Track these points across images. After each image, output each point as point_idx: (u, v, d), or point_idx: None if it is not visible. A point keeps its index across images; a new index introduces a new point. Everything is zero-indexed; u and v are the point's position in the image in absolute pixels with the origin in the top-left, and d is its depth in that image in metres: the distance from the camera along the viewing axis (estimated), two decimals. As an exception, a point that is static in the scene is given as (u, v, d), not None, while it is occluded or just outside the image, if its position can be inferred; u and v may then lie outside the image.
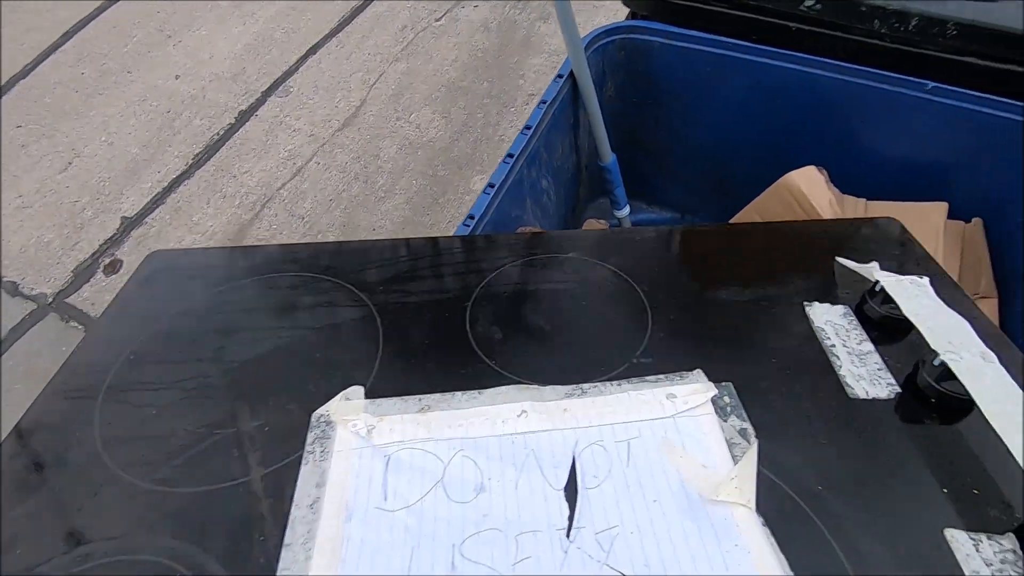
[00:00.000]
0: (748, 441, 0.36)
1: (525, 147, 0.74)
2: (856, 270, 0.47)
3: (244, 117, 1.86)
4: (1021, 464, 0.31)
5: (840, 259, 0.49)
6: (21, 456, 0.37)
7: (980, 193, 0.81)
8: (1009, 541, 0.30)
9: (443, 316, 0.46)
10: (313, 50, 2.05)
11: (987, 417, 0.33)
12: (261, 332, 0.45)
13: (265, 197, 1.65)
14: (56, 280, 1.48)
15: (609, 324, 0.45)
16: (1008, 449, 0.32)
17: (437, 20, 2.10)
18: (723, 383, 0.39)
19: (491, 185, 0.69)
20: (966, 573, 0.29)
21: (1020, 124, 0.72)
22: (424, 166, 1.68)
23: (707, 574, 0.30)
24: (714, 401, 0.38)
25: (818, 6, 0.78)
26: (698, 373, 0.40)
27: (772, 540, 0.31)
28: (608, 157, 0.93)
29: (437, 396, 0.40)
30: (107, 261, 1.51)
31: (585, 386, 0.40)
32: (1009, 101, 0.72)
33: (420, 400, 0.39)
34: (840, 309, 0.45)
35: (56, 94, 1.97)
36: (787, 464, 0.35)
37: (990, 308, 0.78)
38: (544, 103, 0.78)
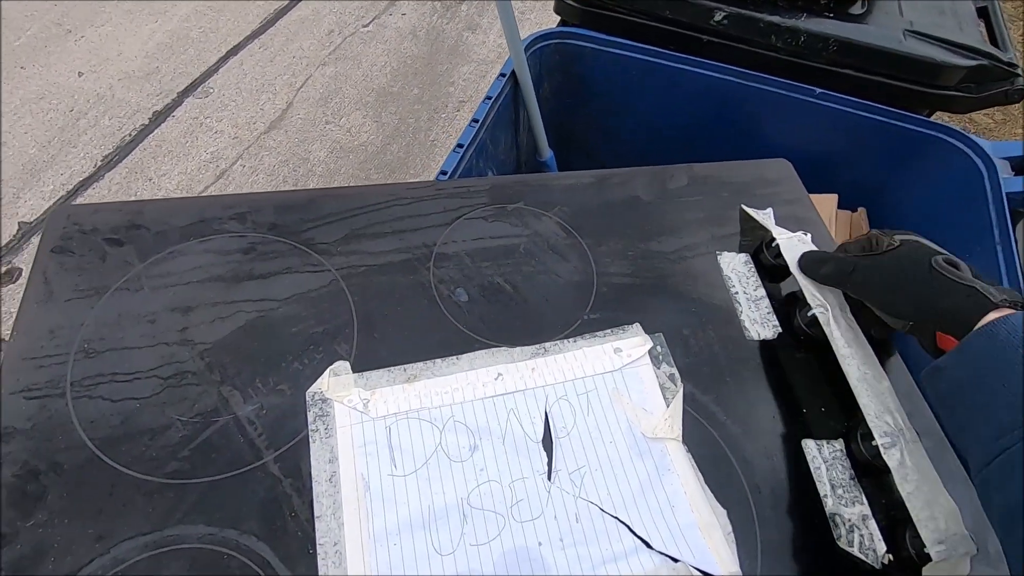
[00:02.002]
0: (676, 384, 0.46)
1: (474, 138, 0.80)
2: (755, 217, 0.56)
3: (160, 118, 1.76)
4: (854, 386, 0.44)
5: (744, 207, 0.57)
6: (7, 465, 0.37)
7: (862, 185, 0.95)
8: (839, 444, 0.45)
9: (409, 278, 0.49)
10: (234, 51, 1.97)
11: (837, 356, 0.45)
12: (223, 307, 0.45)
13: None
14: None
15: (561, 280, 0.50)
16: (847, 379, 0.44)
17: (365, 26, 2.07)
18: (656, 334, 0.48)
19: (443, 172, 0.73)
20: (811, 467, 0.44)
21: (888, 125, 0.86)
22: (356, 169, 1.69)
23: (650, 494, 0.41)
24: (649, 351, 0.47)
25: (725, 21, 0.88)
26: (636, 327, 0.48)
27: (693, 463, 0.42)
28: (546, 153, 1.00)
29: (420, 365, 0.44)
30: (3, 269, 1.38)
31: (547, 345, 0.46)
32: (878, 106, 0.86)
33: (405, 370, 0.44)
34: (743, 257, 0.54)
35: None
36: (701, 400, 0.46)
37: None
38: (489, 99, 0.85)
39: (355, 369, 0.43)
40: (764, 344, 0.49)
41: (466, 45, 2.06)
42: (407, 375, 0.44)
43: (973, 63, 0.84)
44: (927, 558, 0.38)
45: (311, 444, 0.40)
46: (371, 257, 0.49)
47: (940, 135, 0.86)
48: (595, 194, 0.57)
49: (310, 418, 0.41)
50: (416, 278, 0.49)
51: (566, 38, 0.96)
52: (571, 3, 0.96)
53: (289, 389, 0.42)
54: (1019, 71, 0.84)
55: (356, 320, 0.46)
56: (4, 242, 1.44)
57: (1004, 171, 0.81)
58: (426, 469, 0.40)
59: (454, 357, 0.45)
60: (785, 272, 0.53)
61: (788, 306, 0.51)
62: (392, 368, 0.44)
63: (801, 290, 0.49)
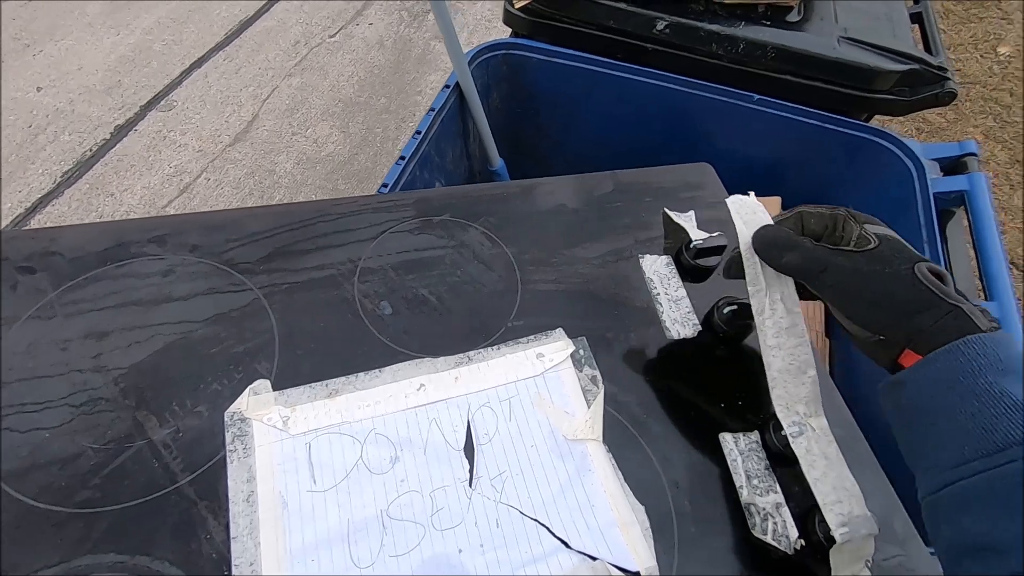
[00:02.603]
0: (597, 386, 0.47)
1: (416, 150, 0.80)
2: (677, 221, 0.58)
3: (122, 132, 1.75)
4: (773, 377, 0.45)
5: (667, 210, 0.59)
6: (-96, 505, 0.36)
7: (804, 186, 0.99)
8: (754, 436, 0.46)
9: (333, 294, 0.49)
10: (198, 63, 1.97)
11: (762, 347, 0.46)
12: (140, 331, 0.45)
13: (148, 216, 1.55)
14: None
15: (485, 289, 0.51)
16: (767, 371, 0.46)
17: (331, 36, 2.09)
18: (578, 338, 0.49)
19: (384, 185, 0.74)
20: (728, 459, 0.45)
21: (823, 129, 0.89)
22: (323, 180, 1.69)
23: (570, 495, 0.41)
24: (572, 354, 0.48)
25: (667, 30, 0.90)
26: (559, 332, 0.49)
27: (613, 462, 0.43)
28: (496, 162, 1.02)
29: (343, 379, 0.44)
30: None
31: (471, 353, 0.47)
32: (814, 111, 0.89)
33: (327, 385, 0.44)
34: (664, 259, 0.56)
35: None
36: (622, 400, 0.47)
37: None
38: (433, 111, 0.86)
39: (276, 387, 0.43)
40: (685, 343, 0.51)
41: (434, 54, 2.08)
42: (329, 390, 0.44)
43: (905, 68, 0.87)
44: (834, 541, 0.40)
45: (228, 465, 0.40)
46: (294, 274, 0.49)
47: (874, 139, 0.90)
48: (522, 204, 0.58)
49: (228, 438, 0.41)
50: (340, 293, 0.49)
51: (512, 49, 0.98)
52: (519, 15, 0.98)
53: (207, 411, 0.42)
54: (949, 75, 0.89)
55: (278, 338, 0.46)
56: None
57: (933, 172, 0.85)
58: (346, 483, 0.40)
59: (377, 370, 0.45)
60: (706, 273, 0.55)
61: (703, 301, 0.53)
62: (314, 384, 0.44)
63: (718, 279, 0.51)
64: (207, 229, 0.51)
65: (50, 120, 1.74)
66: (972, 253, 0.77)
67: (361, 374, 0.45)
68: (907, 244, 0.38)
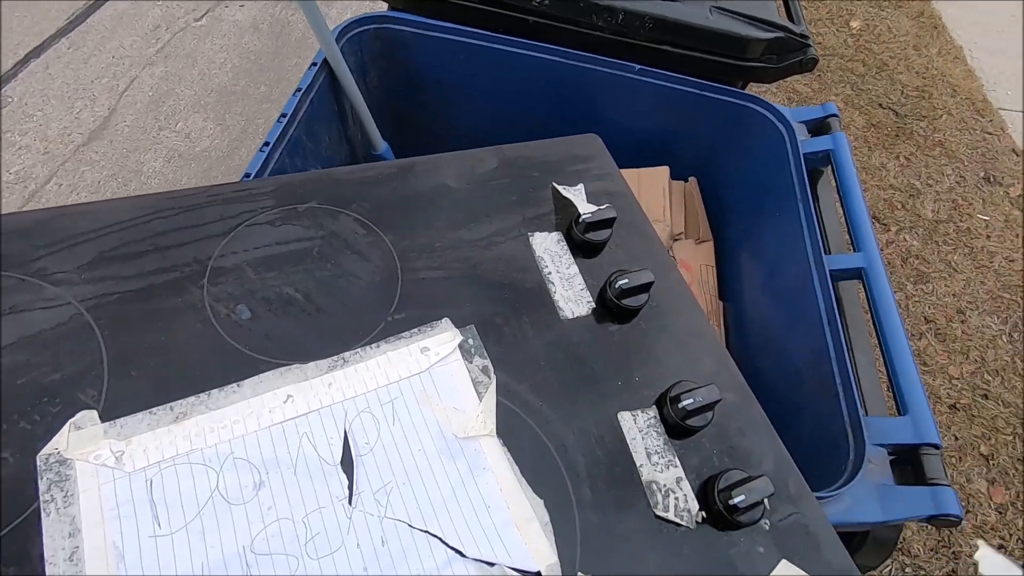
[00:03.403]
0: (489, 377, 0.44)
1: (281, 135, 0.73)
2: (566, 195, 0.56)
3: None
4: None
5: (555, 185, 0.57)
6: None
7: (691, 156, 1.00)
8: (652, 411, 0.45)
9: (177, 301, 0.42)
10: (36, 53, 1.73)
11: None
12: (-83, 366, 0.36)
13: None
14: None
15: (361, 282, 0.46)
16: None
17: (197, 20, 1.90)
18: (467, 327, 0.46)
19: (247, 174, 0.65)
20: (627, 439, 0.43)
21: (702, 97, 0.90)
22: (200, 179, 1.54)
23: (463, 498, 0.38)
24: (460, 345, 0.45)
25: (546, 2, 0.88)
26: (446, 322, 0.45)
27: (509, 456, 0.40)
28: (380, 145, 0.95)
29: (191, 400, 0.38)
30: None
31: (347, 355, 0.42)
32: (692, 79, 0.90)
33: (172, 409, 0.38)
34: (555, 236, 0.53)
35: None
36: (516, 389, 0.44)
37: (707, 249, 1.00)
38: (299, 91, 0.78)
39: (105, 418, 0.36)
40: (578, 321, 0.49)
41: (314, 37, 1.96)
42: (174, 414, 0.37)
43: (772, 36, 0.91)
44: (735, 509, 0.39)
45: (44, 518, 0.33)
46: (126, 282, 0.42)
47: (749, 104, 0.92)
48: (399, 186, 0.53)
49: (42, 486, 0.34)
50: (186, 299, 0.42)
51: (384, 23, 0.91)
52: None
53: (14, 456, 0.34)
54: (810, 42, 0.93)
55: (106, 358, 0.39)
56: None
57: (802, 134, 0.89)
58: (199, 521, 0.34)
59: (234, 385, 0.39)
60: (598, 247, 0.53)
61: (596, 277, 0.51)
62: (155, 409, 0.37)
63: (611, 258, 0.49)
64: (9, 234, 0.42)
65: None
66: (840, 210, 0.81)
67: (215, 391, 0.39)
68: None
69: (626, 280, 0.48)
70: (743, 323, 0.92)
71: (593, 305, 0.50)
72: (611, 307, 0.49)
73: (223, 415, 0.38)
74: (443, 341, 0.44)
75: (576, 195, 0.56)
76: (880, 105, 2.06)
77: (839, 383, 0.62)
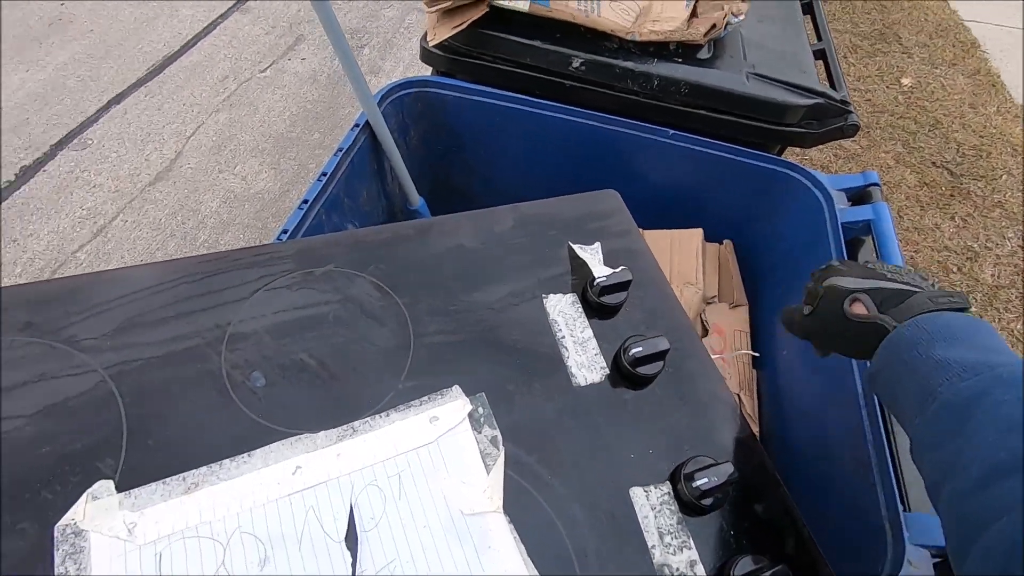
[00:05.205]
0: (498, 448, 0.43)
1: (320, 192, 0.76)
2: (582, 256, 0.56)
3: (28, 173, 1.65)
4: None
5: (571, 244, 0.57)
6: None
7: (726, 218, 0.99)
8: (666, 487, 0.44)
9: (196, 368, 0.43)
10: (117, 100, 1.88)
11: None
12: (-48, 434, 0.38)
13: (56, 262, 1.47)
14: None
15: (374, 348, 0.47)
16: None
17: (262, 71, 2.04)
18: (477, 395, 0.45)
19: (284, 231, 0.68)
20: (639, 517, 0.42)
21: (736, 162, 0.90)
22: (252, 219, 1.62)
23: (468, 580, 0.37)
24: (470, 415, 0.44)
25: (583, 67, 0.91)
26: (456, 390, 0.45)
27: (515, 535, 0.40)
28: (416, 201, 0.98)
29: (204, 470, 0.39)
30: None
31: (356, 424, 0.42)
32: (725, 144, 0.90)
33: (184, 479, 0.38)
34: (570, 298, 0.53)
35: None
36: (526, 461, 0.43)
37: (742, 314, 0.98)
38: (340, 151, 0.81)
39: (123, 487, 0.37)
40: (591, 388, 0.48)
41: (370, 88, 2.06)
42: (186, 485, 0.38)
43: (811, 102, 0.90)
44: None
45: (57, 592, 0.34)
46: (149, 348, 0.43)
47: (786, 171, 0.90)
48: (416, 247, 0.54)
49: (57, 559, 0.35)
50: (205, 366, 0.43)
51: (425, 87, 0.95)
52: (436, 52, 0.95)
53: (32, 527, 0.35)
54: (851, 108, 0.91)
55: (126, 427, 0.40)
56: None
57: (841, 202, 0.86)
58: (204, 598, 0.35)
59: (246, 455, 0.40)
60: (612, 310, 0.53)
61: (610, 341, 0.50)
62: (168, 479, 0.38)
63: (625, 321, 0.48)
64: (42, 302, 0.44)
65: (-55, 163, 1.62)
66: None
67: (226, 461, 0.39)
68: (841, 282, 0.48)
69: (640, 348, 0.47)
70: (777, 392, 0.89)
71: (607, 371, 0.49)
72: (625, 374, 0.48)
73: (233, 487, 0.38)
74: (453, 410, 0.44)
75: (592, 255, 0.55)
76: (934, 164, 1.97)
77: (875, 469, 0.58)
